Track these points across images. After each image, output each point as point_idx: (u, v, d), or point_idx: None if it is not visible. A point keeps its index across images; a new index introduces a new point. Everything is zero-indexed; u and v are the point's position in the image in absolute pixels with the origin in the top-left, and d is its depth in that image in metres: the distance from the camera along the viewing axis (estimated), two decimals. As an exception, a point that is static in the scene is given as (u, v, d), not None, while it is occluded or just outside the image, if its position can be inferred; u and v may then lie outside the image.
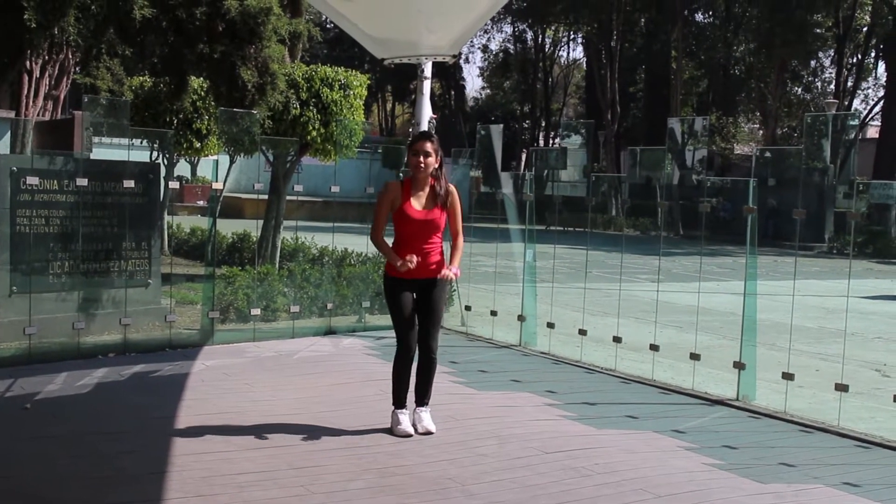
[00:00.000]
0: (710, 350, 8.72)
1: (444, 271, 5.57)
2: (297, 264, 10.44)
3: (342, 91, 11.59)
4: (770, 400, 6.98)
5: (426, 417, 5.73)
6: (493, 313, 9.43)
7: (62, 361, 7.24)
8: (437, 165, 5.64)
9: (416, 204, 5.60)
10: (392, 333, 5.78)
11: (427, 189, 5.64)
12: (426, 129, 8.85)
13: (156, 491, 4.48)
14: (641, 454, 5.49)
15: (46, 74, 16.66)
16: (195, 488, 4.51)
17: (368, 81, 12.61)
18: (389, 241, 5.73)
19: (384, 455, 5.21)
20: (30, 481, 4.54)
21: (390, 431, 5.64)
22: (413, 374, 5.73)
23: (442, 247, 5.74)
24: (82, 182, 7.91)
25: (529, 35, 53.39)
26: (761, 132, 41.05)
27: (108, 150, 13.03)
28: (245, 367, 7.42)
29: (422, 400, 5.77)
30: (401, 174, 5.77)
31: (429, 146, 5.61)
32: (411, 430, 5.63)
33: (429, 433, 5.66)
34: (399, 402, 5.71)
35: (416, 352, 5.68)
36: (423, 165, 5.58)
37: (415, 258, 5.45)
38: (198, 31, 9.40)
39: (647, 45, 44.57)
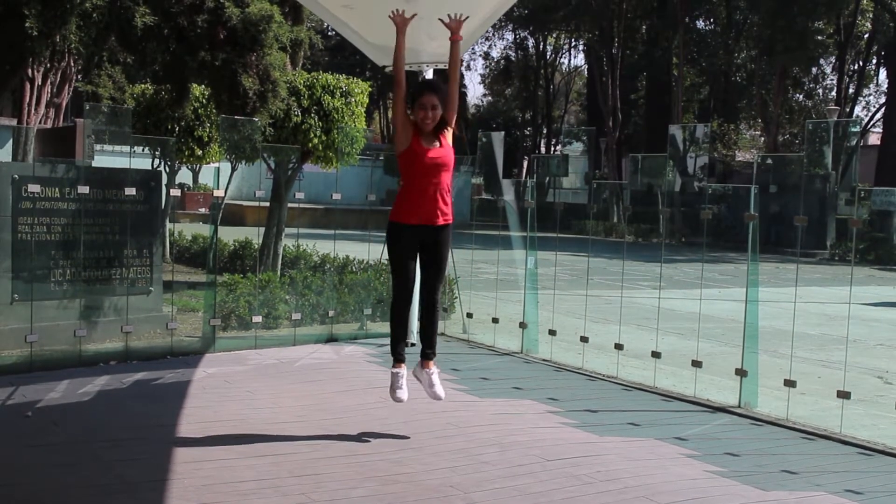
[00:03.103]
0: (711, 357, 8.70)
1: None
2: (299, 272, 10.44)
3: (344, 98, 11.61)
4: (772, 407, 6.97)
5: (437, 381, 5.69)
6: (495, 320, 9.43)
7: (63, 369, 7.23)
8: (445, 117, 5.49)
9: (426, 143, 5.48)
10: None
11: (433, 136, 5.53)
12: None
13: (157, 499, 4.48)
14: (643, 461, 5.48)
15: (48, 82, 16.73)
16: (196, 496, 4.50)
17: (370, 89, 12.63)
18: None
19: (386, 463, 5.20)
20: (31, 489, 4.53)
21: (390, 391, 5.61)
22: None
23: (450, 195, 5.61)
24: (84, 189, 7.92)
25: (531, 42, 53.50)
26: (763, 139, 41.05)
27: (110, 157, 13.00)
28: (246, 374, 7.42)
29: (429, 350, 5.72)
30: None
31: (436, 98, 5.46)
32: (405, 397, 5.61)
33: (438, 399, 5.64)
34: (398, 356, 5.66)
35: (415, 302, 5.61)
36: (430, 120, 5.46)
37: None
38: (199, 38, 9.41)
39: (648, 51, 44.60)
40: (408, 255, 5.52)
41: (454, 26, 5.69)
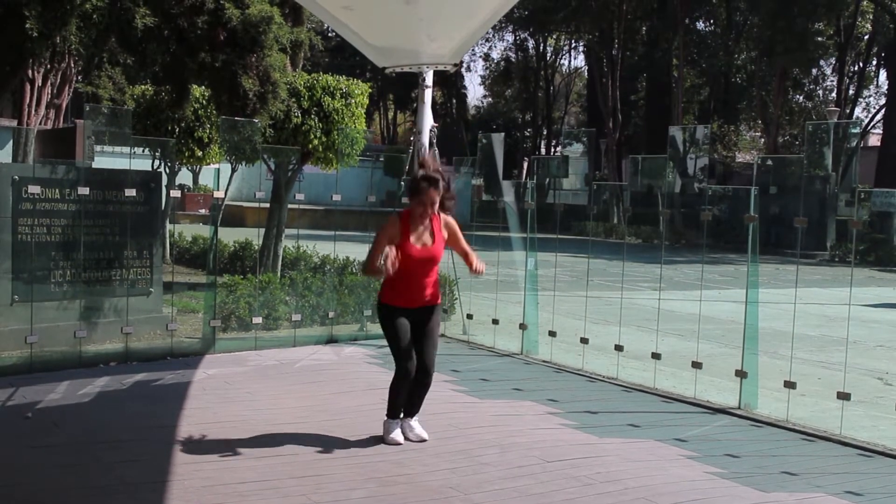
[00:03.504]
0: (711, 358, 8.71)
1: (477, 265, 5.62)
2: (299, 273, 10.44)
3: (344, 99, 11.61)
4: (772, 408, 6.97)
5: (417, 426, 5.75)
6: (495, 322, 9.43)
7: (63, 370, 7.23)
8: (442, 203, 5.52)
9: (415, 240, 5.50)
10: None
11: (427, 223, 5.55)
12: (427, 143, 8.79)
13: (157, 500, 4.48)
14: (643, 463, 5.48)
15: (48, 83, 16.73)
16: (196, 497, 4.51)
17: (370, 90, 12.63)
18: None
19: (386, 464, 5.20)
20: (31, 490, 4.53)
21: (382, 440, 5.64)
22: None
23: (437, 276, 5.71)
24: (84, 191, 7.92)
25: (531, 43, 53.51)
26: (763, 140, 41.07)
27: (110, 158, 13.02)
28: (246, 375, 7.42)
29: (412, 413, 5.77)
30: (397, 210, 5.63)
31: (436, 196, 5.45)
32: (401, 440, 5.64)
33: (423, 440, 5.67)
34: (394, 414, 5.71)
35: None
36: (428, 213, 5.49)
37: (392, 257, 5.32)
38: (199, 39, 9.41)
39: (648, 53, 44.62)
40: (402, 334, 5.54)
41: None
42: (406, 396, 5.66)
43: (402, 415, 5.73)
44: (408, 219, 5.52)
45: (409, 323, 5.57)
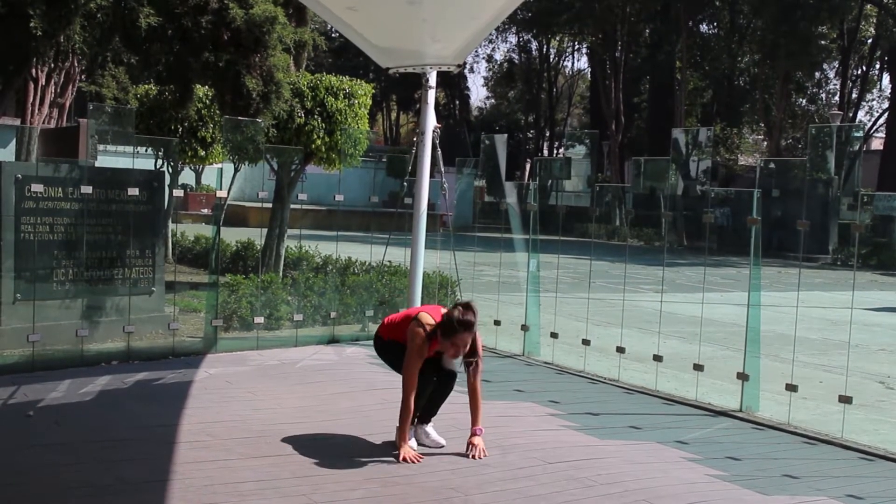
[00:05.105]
0: (713, 361, 8.70)
1: (476, 442, 5.42)
2: (301, 273, 10.46)
3: (347, 100, 11.62)
4: (773, 411, 6.96)
5: (433, 431, 5.60)
6: (497, 323, 9.43)
7: (65, 369, 7.24)
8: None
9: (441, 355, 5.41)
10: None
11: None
12: (431, 144, 8.73)
13: (157, 499, 4.48)
14: (644, 465, 5.48)
15: (52, 82, 16.74)
16: (197, 496, 4.51)
17: (373, 90, 12.63)
18: None
19: (386, 464, 5.20)
20: (32, 489, 4.53)
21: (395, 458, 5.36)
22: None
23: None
24: (87, 190, 7.93)
25: (534, 45, 53.50)
26: (765, 143, 41.03)
27: (113, 157, 13.00)
28: (248, 375, 7.42)
29: (427, 419, 5.62)
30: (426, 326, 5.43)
31: (468, 340, 5.27)
32: (416, 445, 5.49)
33: (440, 446, 5.53)
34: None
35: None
36: (459, 355, 5.34)
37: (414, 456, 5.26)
38: (203, 39, 9.42)
39: (651, 55, 44.62)
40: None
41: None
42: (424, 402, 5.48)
43: (415, 420, 5.53)
44: (436, 345, 5.34)
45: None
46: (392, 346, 5.54)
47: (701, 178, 33.64)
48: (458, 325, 5.18)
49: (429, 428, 5.63)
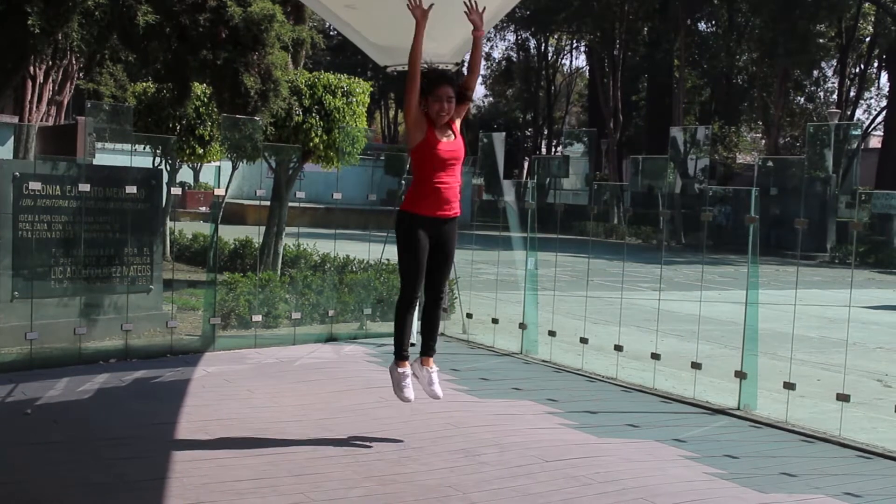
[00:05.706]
0: (711, 359, 8.71)
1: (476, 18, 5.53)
2: (299, 271, 10.45)
3: (345, 98, 11.61)
4: (771, 409, 6.97)
5: (436, 380, 5.66)
6: (495, 321, 9.43)
7: (63, 367, 7.23)
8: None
9: (440, 135, 5.39)
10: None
11: (445, 126, 5.46)
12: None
13: (155, 497, 4.48)
14: (642, 463, 5.48)
15: (50, 80, 16.71)
16: (195, 495, 4.51)
17: (371, 89, 12.63)
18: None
19: (385, 463, 5.20)
20: (30, 487, 4.53)
21: (397, 390, 5.59)
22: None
23: (459, 187, 5.56)
24: (85, 187, 7.92)
25: (532, 43, 53.53)
26: (763, 141, 41.07)
27: (111, 155, 13.05)
28: (246, 373, 7.42)
29: (432, 343, 5.69)
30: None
31: (451, 90, 5.35)
32: (412, 397, 5.60)
33: (436, 398, 5.66)
34: (402, 353, 5.61)
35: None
36: (445, 112, 5.36)
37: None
38: (201, 37, 9.41)
39: (649, 54, 44.59)
40: (420, 250, 5.42)
41: (477, 21, 5.60)
42: (411, 329, 5.50)
43: (409, 357, 5.60)
44: (431, 121, 5.41)
45: (427, 239, 5.42)
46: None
47: (699, 177, 33.64)
48: (435, 76, 5.42)
49: (433, 373, 5.67)
